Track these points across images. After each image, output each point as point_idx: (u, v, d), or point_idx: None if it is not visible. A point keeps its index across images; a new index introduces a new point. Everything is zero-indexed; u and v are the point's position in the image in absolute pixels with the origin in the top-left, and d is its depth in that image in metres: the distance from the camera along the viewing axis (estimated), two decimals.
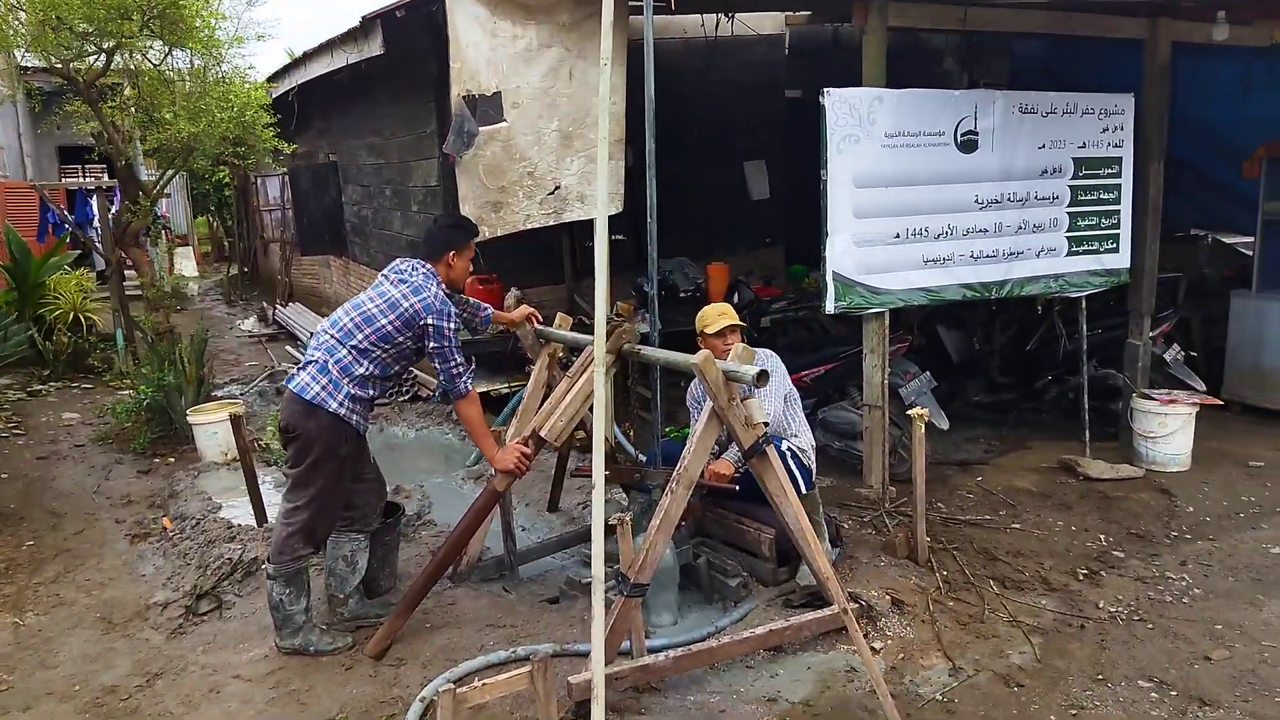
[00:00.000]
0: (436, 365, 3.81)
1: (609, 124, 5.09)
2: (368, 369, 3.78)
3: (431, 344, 3.78)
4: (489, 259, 6.45)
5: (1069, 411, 6.67)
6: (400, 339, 3.78)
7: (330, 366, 3.75)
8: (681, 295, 7.40)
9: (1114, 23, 5.74)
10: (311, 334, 4.12)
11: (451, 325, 3.80)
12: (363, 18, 6.38)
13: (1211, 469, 5.93)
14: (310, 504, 3.77)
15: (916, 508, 4.54)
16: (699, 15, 7.52)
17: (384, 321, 3.76)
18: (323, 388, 3.72)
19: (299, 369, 3.85)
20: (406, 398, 7.87)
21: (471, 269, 4.18)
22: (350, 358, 3.75)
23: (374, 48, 6.45)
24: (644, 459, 4.91)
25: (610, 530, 3.58)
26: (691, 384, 4.65)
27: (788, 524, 3.86)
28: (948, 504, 5.43)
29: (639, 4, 4.46)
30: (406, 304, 3.76)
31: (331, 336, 3.81)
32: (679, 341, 6.09)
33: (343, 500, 3.89)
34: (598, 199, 3.31)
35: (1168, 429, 5.79)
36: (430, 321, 3.75)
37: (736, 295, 6.83)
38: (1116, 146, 5.75)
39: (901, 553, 4.62)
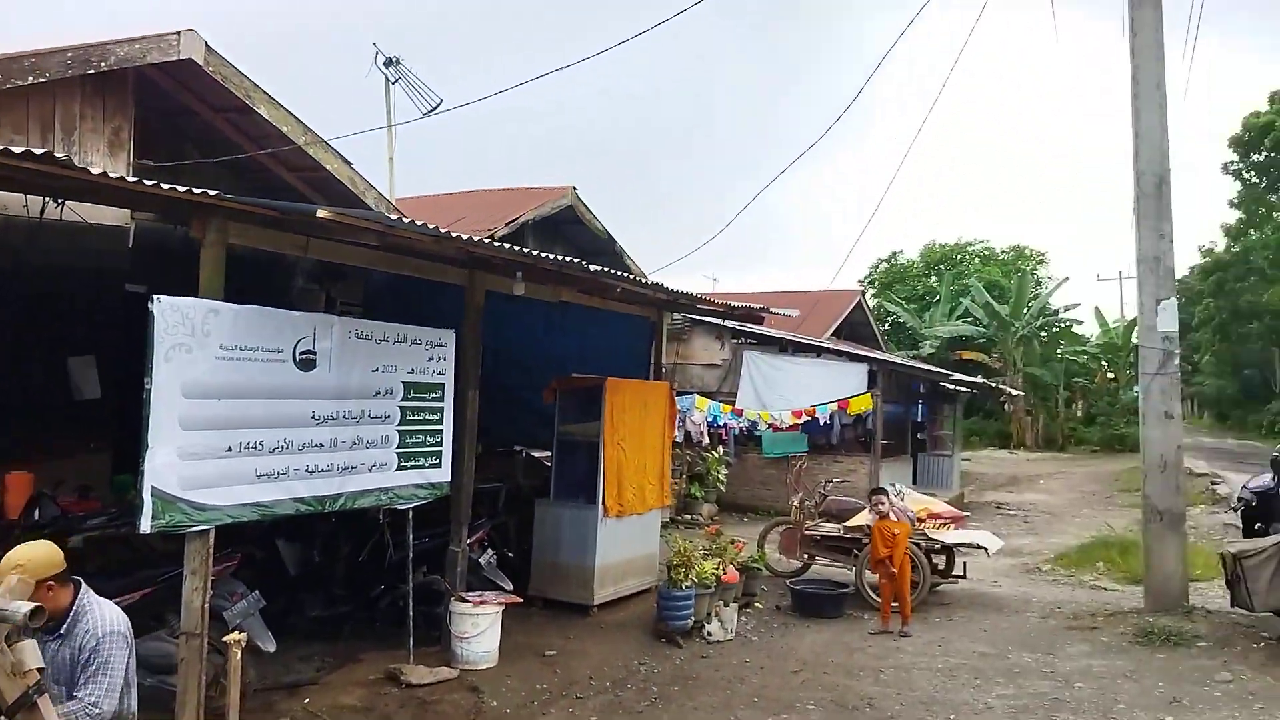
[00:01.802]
0: None
1: None
2: None
3: None
4: None
5: (402, 620, 7.01)
6: None
7: None
8: None
9: (442, 269, 6.69)
10: None
11: None
12: None
13: (515, 662, 6.72)
14: None
15: None
16: (21, 194, 6.73)
17: None
18: None
19: None
20: None
21: None
22: None
23: None
24: None
25: None
26: None
27: None
28: None
29: None
30: None
31: None
32: None
33: None
34: None
35: (479, 628, 6.45)
36: None
37: (38, 511, 5.87)
38: (440, 374, 6.54)
39: None
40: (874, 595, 8.66)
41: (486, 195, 12.93)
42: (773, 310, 9.20)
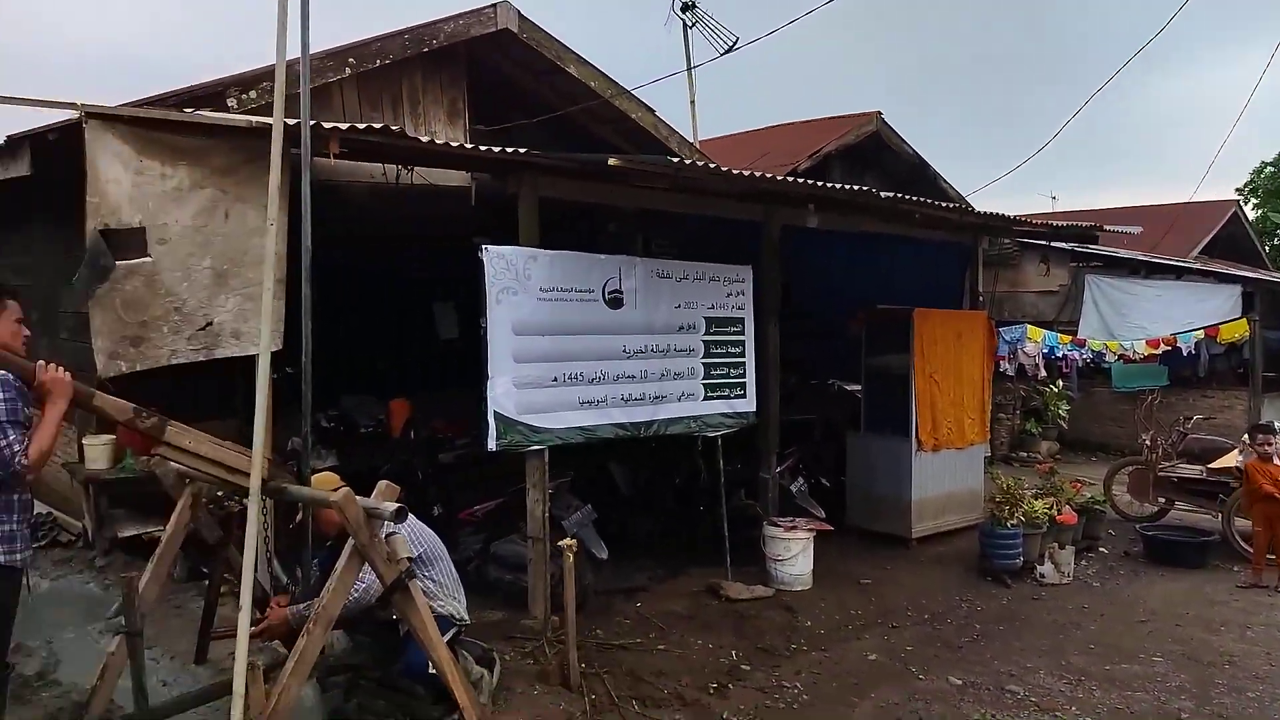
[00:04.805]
0: None
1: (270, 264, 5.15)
2: None
3: None
4: (153, 392, 6.07)
5: (720, 540, 7.37)
6: None
7: None
8: (362, 431, 7.39)
9: (737, 207, 6.80)
10: None
11: (3, 395, 3.31)
12: (9, 137, 6.04)
13: (829, 587, 6.80)
14: None
15: (569, 635, 4.81)
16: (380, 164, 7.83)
17: None
18: None
19: None
20: (43, 543, 7.04)
21: (25, 332, 3.68)
22: None
23: (22, 168, 6.09)
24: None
25: None
26: None
27: (430, 658, 3.97)
28: (606, 629, 5.76)
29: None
30: None
31: None
32: (354, 479, 6.08)
33: None
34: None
35: (791, 552, 6.61)
36: None
37: (413, 431, 6.95)
38: (740, 309, 6.69)
39: (555, 680, 4.83)
40: (1245, 545, 7.60)
41: (788, 129, 12.77)
42: (1108, 228, 8.19)
